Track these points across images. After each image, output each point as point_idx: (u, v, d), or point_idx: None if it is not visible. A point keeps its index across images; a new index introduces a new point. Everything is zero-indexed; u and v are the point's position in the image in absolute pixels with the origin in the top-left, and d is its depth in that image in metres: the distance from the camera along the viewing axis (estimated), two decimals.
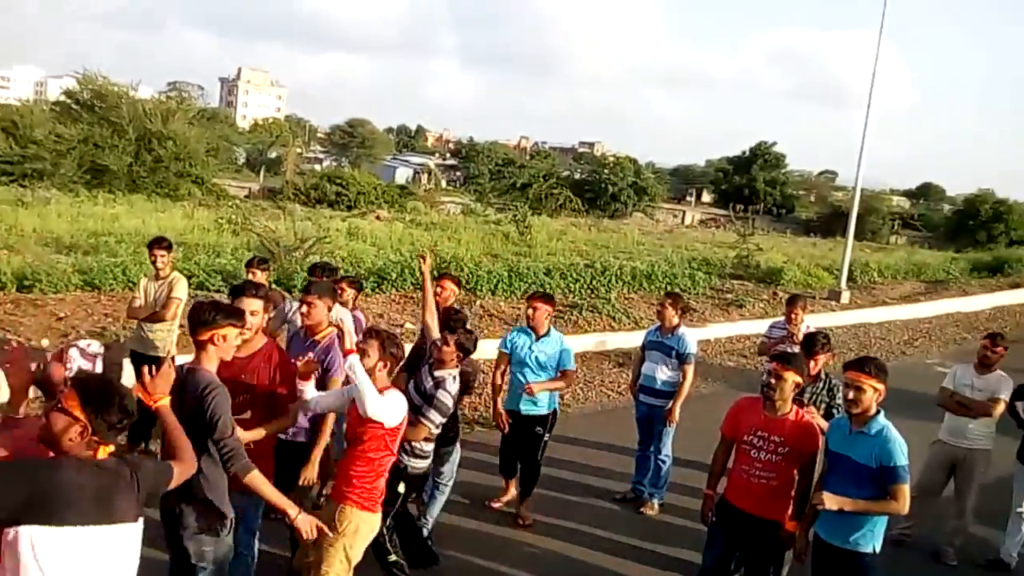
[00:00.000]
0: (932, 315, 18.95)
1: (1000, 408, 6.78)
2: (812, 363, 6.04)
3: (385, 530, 5.27)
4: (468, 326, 7.00)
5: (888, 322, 17.82)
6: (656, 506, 7.40)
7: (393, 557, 5.38)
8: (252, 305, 4.72)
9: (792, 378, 4.91)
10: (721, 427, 5.32)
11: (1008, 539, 6.92)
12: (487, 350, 10.84)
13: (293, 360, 4.97)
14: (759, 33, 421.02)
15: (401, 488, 5.34)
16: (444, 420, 5.46)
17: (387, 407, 4.45)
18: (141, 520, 3.09)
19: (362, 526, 4.58)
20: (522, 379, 6.74)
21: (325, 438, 5.27)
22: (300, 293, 5.72)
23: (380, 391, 4.49)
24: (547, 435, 6.86)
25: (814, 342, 6.32)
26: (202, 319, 4.04)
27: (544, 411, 6.81)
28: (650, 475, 7.46)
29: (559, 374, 6.83)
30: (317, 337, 5.45)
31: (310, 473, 5.21)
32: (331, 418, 5.23)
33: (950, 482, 7.05)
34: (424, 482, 5.87)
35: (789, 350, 7.78)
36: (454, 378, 5.47)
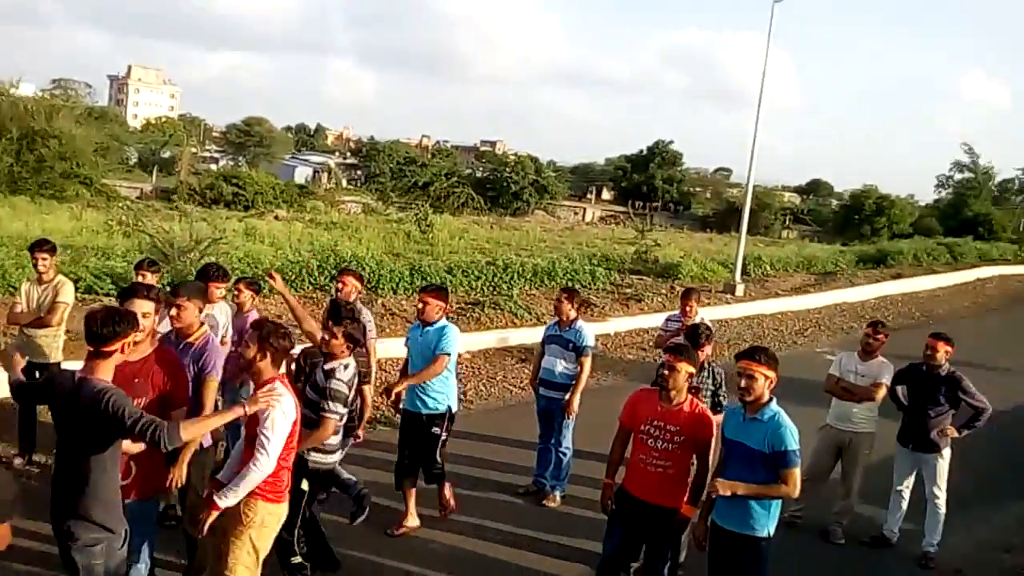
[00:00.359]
0: (821, 305, 19.68)
1: (882, 392, 7.11)
2: (698, 353, 6.22)
3: (296, 531, 5.23)
4: (363, 319, 6.90)
5: (781, 313, 18.43)
6: (558, 498, 7.47)
7: (297, 559, 5.33)
8: (144, 307, 4.61)
9: (685, 368, 5.06)
10: (620, 417, 5.43)
11: (890, 517, 7.26)
12: (390, 349, 10.82)
13: None
14: (654, 34, 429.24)
15: (304, 485, 5.29)
16: (346, 408, 5.40)
17: (270, 460, 4.34)
18: None
19: (268, 518, 4.50)
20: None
21: (195, 443, 5.14)
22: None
23: (267, 382, 4.42)
24: (444, 434, 6.65)
25: (698, 334, 6.54)
26: (115, 330, 3.88)
27: (438, 410, 6.60)
28: (551, 468, 7.53)
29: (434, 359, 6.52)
30: (191, 339, 5.24)
31: (179, 473, 5.06)
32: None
33: (837, 465, 7.35)
34: (332, 479, 5.77)
35: (684, 342, 8.03)
36: (345, 367, 5.42)
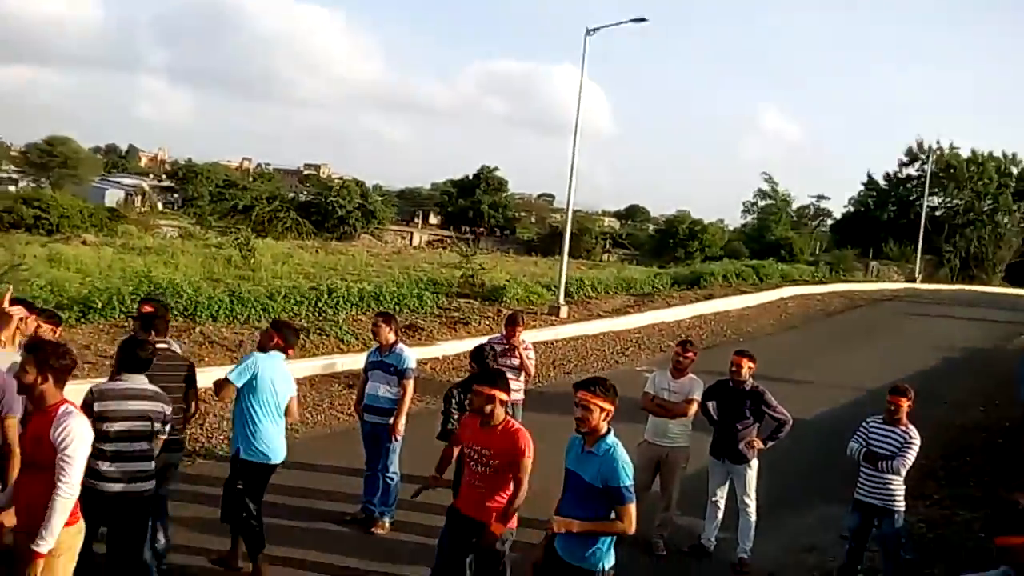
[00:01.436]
0: (641, 325, 20.43)
1: (694, 408, 7.45)
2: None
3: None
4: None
5: (603, 333, 18.97)
6: (387, 524, 7.39)
7: None
8: None
9: (487, 392, 5.14)
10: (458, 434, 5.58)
11: (707, 526, 7.60)
12: (209, 379, 10.36)
13: None
14: (472, 62, 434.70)
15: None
16: None
17: (74, 486, 4.20)
18: None
19: (73, 540, 4.37)
20: None
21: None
22: None
23: (51, 408, 4.26)
24: (240, 484, 6.18)
25: (483, 354, 6.77)
26: None
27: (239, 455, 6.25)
28: (379, 494, 7.43)
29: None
30: None
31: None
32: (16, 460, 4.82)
33: (656, 478, 7.62)
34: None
35: (510, 362, 8.18)
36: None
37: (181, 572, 6.20)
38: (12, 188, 58.48)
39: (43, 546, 4.13)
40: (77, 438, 4.21)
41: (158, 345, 5.94)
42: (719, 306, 24.52)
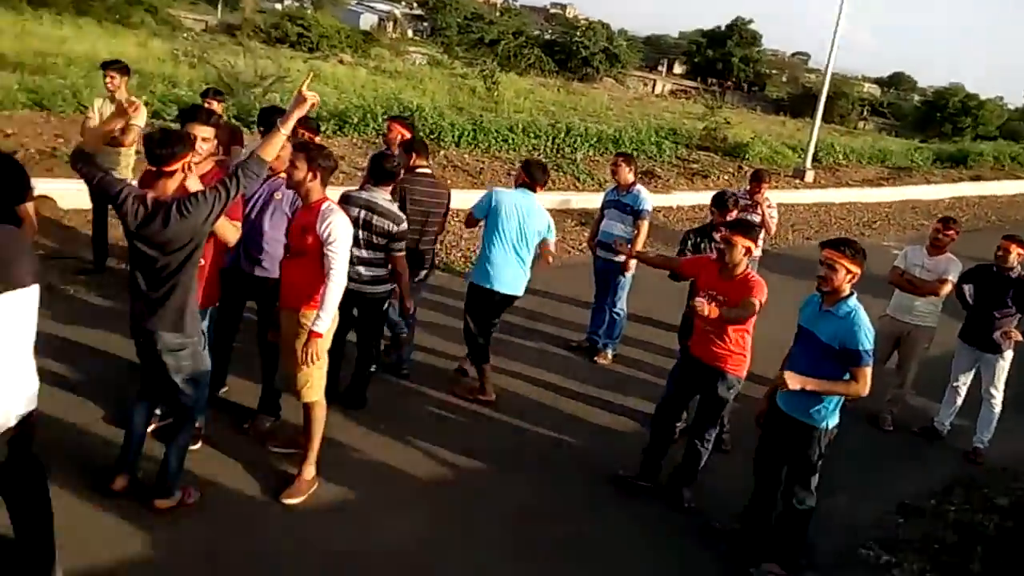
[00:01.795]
0: (893, 200, 19.10)
1: (947, 288, 6.89)
2: (728, 217, 6.36)
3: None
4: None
5: (850, 203, 17.95)
6: (609, 356, 7.55)
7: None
8: (203, 132, 4.64)
9: (742, 243, 5.00)
10: (683, 261, 5.74)
11: (943, 410, 7.18)
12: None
13: None
14: None
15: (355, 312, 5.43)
16: None
17: (343, 275, 4.52)
18: (37, 286, 3.17)
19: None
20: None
21: None
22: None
23: (316, 204, 4.54)
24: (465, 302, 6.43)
25: (724, 200, 6.52)
26: (172, 151, 3.93)
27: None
28: (605, 327, 7.57)
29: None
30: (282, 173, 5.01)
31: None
32: None
33: (894, 354, 7.23)
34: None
35: (750, 218, 7.87)
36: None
37: (421, 370, 6.63)
38: (279, 6, 61.73)
39: (321, 326, 4.49)
40: (341, 232, 4.49)
41: (421, 170, 6.30)
42: (986, 189, 22.39)
